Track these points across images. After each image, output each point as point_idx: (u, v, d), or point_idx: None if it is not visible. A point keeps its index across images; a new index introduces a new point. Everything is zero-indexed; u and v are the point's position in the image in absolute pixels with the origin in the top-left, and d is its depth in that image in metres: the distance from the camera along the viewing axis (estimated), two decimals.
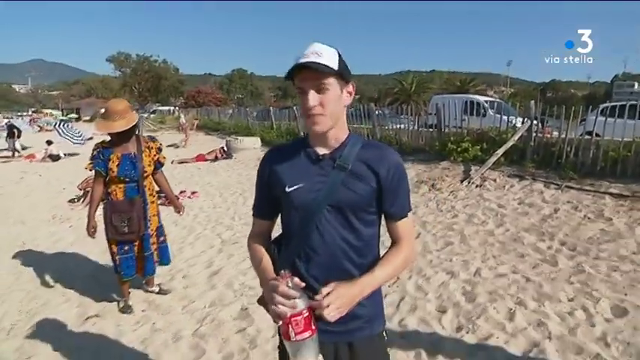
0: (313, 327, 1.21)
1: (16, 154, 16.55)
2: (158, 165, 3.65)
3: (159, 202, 3.82)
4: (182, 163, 12.86)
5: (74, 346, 3.17)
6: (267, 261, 1.44)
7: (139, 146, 3.49)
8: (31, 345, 3.19)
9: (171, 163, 12.18)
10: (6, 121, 32.85)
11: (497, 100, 18.65)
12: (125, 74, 56.65)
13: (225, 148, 13.84)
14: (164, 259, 3.81)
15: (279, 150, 1.49)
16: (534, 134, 8.16)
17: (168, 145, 16.88)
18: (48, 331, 3.39)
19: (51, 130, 25.80)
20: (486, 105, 14.17)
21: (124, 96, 51.04)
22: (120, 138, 3.38)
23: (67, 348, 3.14)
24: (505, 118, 9.41)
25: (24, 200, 8.61)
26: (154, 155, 3.60)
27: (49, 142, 15.57)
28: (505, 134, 8.65)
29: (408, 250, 1.42)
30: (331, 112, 1.29)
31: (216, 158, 13.41)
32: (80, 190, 8.09)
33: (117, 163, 3.35)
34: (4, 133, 21.04)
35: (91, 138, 16.25)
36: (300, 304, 1.19)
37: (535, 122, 8.26)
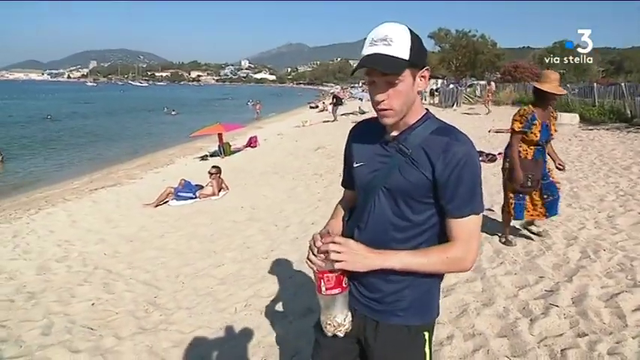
0: (344, 285, 1.28)
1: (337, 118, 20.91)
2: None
3: None
4: (498, 132, 12.47)
5: None
6: (334, 222, 1.55)
7: (548, 115, 3.94)
8: None
9: (488, 132, 12.65)
10: (332, 90, 40.28)
11: None
12: (444, 49, 57.97)
13: None
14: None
15: (362, 125, 1.48)
16: None
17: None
18: None
19: None
20: None
21: (441, 70, 53.07)
22: (543, 105, 3.86)
23: None
24: None
25: None
26: (555, 124, 4.04)
27: None
28: None
29: (459, 252, 1.26)
30: (401, 105, 1.23)
31: None
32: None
33: (539, 129, 3.81)
34: (353, 100, 26.39)
35: None
36: (332, 264, 1.24)
37: None
